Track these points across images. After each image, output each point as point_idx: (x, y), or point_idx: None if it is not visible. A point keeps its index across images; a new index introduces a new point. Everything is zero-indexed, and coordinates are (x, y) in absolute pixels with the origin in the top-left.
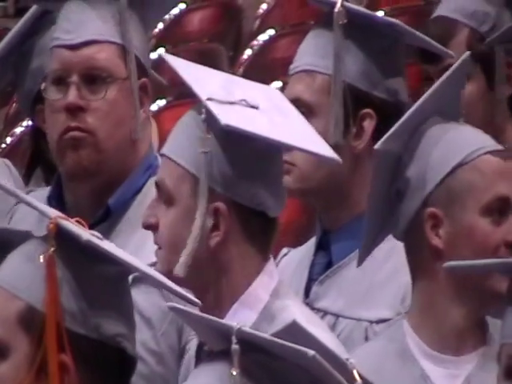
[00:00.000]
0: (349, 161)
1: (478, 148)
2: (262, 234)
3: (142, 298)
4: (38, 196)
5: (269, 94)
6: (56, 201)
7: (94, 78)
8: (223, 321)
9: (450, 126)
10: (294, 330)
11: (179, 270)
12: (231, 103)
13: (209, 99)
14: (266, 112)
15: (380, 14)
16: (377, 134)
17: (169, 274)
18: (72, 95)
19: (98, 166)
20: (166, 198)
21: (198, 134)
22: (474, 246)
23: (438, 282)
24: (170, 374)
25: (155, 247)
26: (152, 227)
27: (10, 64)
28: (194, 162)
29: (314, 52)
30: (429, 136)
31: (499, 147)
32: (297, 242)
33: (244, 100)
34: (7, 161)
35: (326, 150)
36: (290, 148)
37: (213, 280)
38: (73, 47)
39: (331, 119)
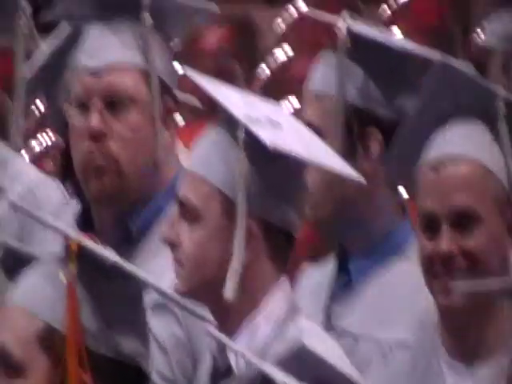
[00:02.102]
0: (359, 183)
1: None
2: (282, 252)
3: (159, 325)
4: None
5: (282, 114)
6: (83, 221)
7: (115, 103)
8: None
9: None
10: (303, 354)
11: (230, 294)
12: (261, 122)
13: (245, 118)
14: (289, 131)
15: (395, 31)
16: (385, 153)
17: (188, 292)
18: (94, 120)
19: (121, 191)
20: (190, 215)
21: (230, 152)
22: None
23: None
24: None
25: (173, 265)
26: (173, 244)
27: (42, 82)
28: (225, 181)
29: (322, 75)
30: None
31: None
32: (315, 259)
33: (269, 119)
34: (59, 182)
35: (349, 169)
36: (319, 167)
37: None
38: (94, 72)
39: (335, 139)
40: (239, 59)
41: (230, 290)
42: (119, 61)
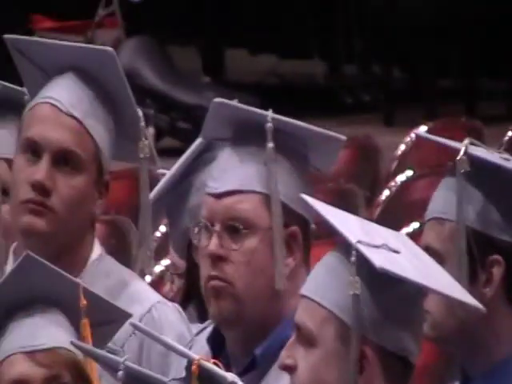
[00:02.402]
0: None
1: None
2: (401, 380)
3: None
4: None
5: (402, 240)
6: (215, 343)
7: (235, 229)
8: None
9: None
10: None
11: None
12: (376, 247)
13: (358, 242)
14: (407, 257)
15: None
16: (508, 279)
17: None
18: (213, 244)
19: (238, 315)
20: (306, 340)
21: (345, 276)
22: None
23: None
24: None
25: None
26: (289, 369)
27: (163, 206)
28: (340, 305)
29: (443, 200)
30: None
31: None
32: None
33: (386, 244)
34: (178, 306)
35: (468, 297)
36: (435, 293)
37: None
38: (217, 196)
39: (456, 265)
40: (360, 182)
41: None
42: (241, 186)
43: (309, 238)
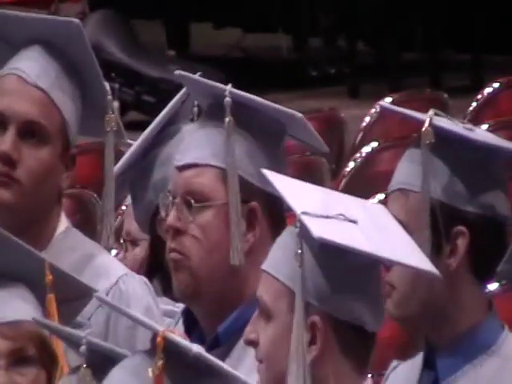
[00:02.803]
0: (444, 279)
1: None
2: (359, 350)
3: None
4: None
5: (370, 209)
6: (189, 318)
7: (190, 202)
8: None
9: None
10: None
11: None
12: (327, 217)
13: (303, 213)
14: (364, 226)
15: (484, 127)
16: (472, 251)
17: None
18: (171, 217)
19: (195, 290)
20: (265, 313)
21: (294, 248)
22: None
23: None
24: None
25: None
26: (252, 343)
27: (127, 179)
28: (291, 277)
29: (407, 171)
30: None
31: None
32: (403, 357)
33: (342, 214)
34: (145, 278)
35: (425, 264)
36: (384, 262)
37: None
38: (179, 168)
39: (421, 236)
40: (326, 154)
41: None
42: (199, 160)
43: (277, 213)
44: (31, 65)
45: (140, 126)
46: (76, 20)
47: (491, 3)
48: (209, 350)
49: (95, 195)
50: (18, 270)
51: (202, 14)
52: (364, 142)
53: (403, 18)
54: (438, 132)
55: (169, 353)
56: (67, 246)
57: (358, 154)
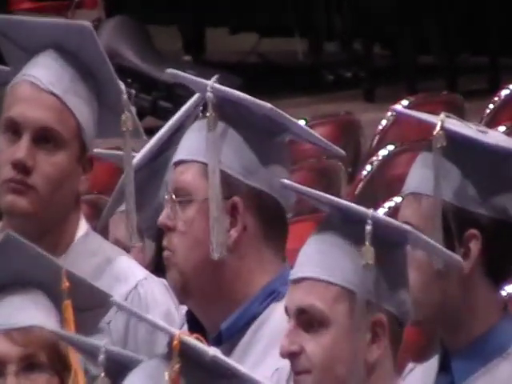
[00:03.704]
0: (458, 283)
1: None
2: (400, 343)
3: None
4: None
5: None
6: (192, 318)
7: (178, 198)
8: None
9: None
10: None
11: None
12: None
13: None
14: None
15: (501, 129)
16: (485, 254)
17: None
18: (163, 215)
19: (183, 286)
20: (317, 321)
21: (351, 249)
22: None
23: None
24: None
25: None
26: (293, 355)
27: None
28: (351, 279)
29: (419, 175)
30: None
31: None
32: (419, 359)
33: None
34: (165, 281)
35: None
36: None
37: None
38: (174, 166)
39: (434, 240)
40: (342, 158)
41: None
42: (186, 156)
43: (266, 208)
44: (45, 71)
45: (156, 132)
46: (87, 23)
47: (507, 6)
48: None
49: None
50: (36, 277)
51: (218, 19)
52: (380, 146)
53: (419, 21)
54: (450, 135)
55: (185, 356)
56: (87, 250)
57: (374, 158)
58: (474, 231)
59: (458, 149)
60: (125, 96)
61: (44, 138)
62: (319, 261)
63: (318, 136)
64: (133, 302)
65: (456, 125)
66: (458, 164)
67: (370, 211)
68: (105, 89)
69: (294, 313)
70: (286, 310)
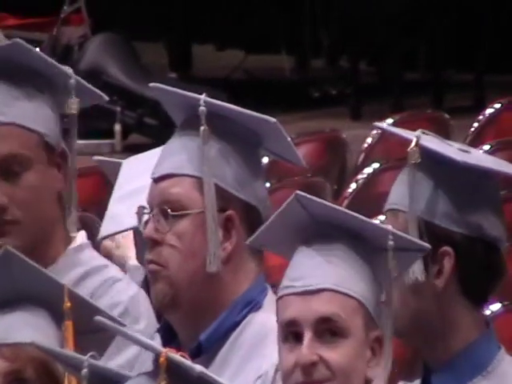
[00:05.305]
0: (432, 299)
1: None
2: None
3: None
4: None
5: None
6: (166, 331)
7: (166, 212)
8: None
9: None
10: None
11: None
12: None
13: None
14: None
15: (485, 147)
16: (459, 271)
17: None
18: (148, 228)
19: (173, 299)
20: (339, 331)
21: (367, 268)
22: None
23: None
24: None
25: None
26: (314, 365)
27: None
28: (365, 295)
29: (397, 191)
30: None
31: None
32: (410, 374)
33: None
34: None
35: None
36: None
37: None
38: (155, 180)
39: None
40: (327, 175)
41: None
42: (175, 170)
43: (254, 221)
44: None
45: (142, 149)
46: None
47: (493, 24)
48: (191, 359)
49: (97, 219)
50: (38, 296)
51: (204, 35)
52: (366, 163)
53: (405, 38)
54: (425, 152)
55: (172, 373)
56: (73, 262)
57: (359, 175)
58: (447, 248)
59: (433, 165)
60: (72, 80)
61: (8, 167)
62: (334, 273)
63: (291, 144)
64: (121, 316)
65: (431, 141)
66: (432, 180)
67: (389, 227)
68: (49, 79)
69: (312, 323)
70: (293, 322)
